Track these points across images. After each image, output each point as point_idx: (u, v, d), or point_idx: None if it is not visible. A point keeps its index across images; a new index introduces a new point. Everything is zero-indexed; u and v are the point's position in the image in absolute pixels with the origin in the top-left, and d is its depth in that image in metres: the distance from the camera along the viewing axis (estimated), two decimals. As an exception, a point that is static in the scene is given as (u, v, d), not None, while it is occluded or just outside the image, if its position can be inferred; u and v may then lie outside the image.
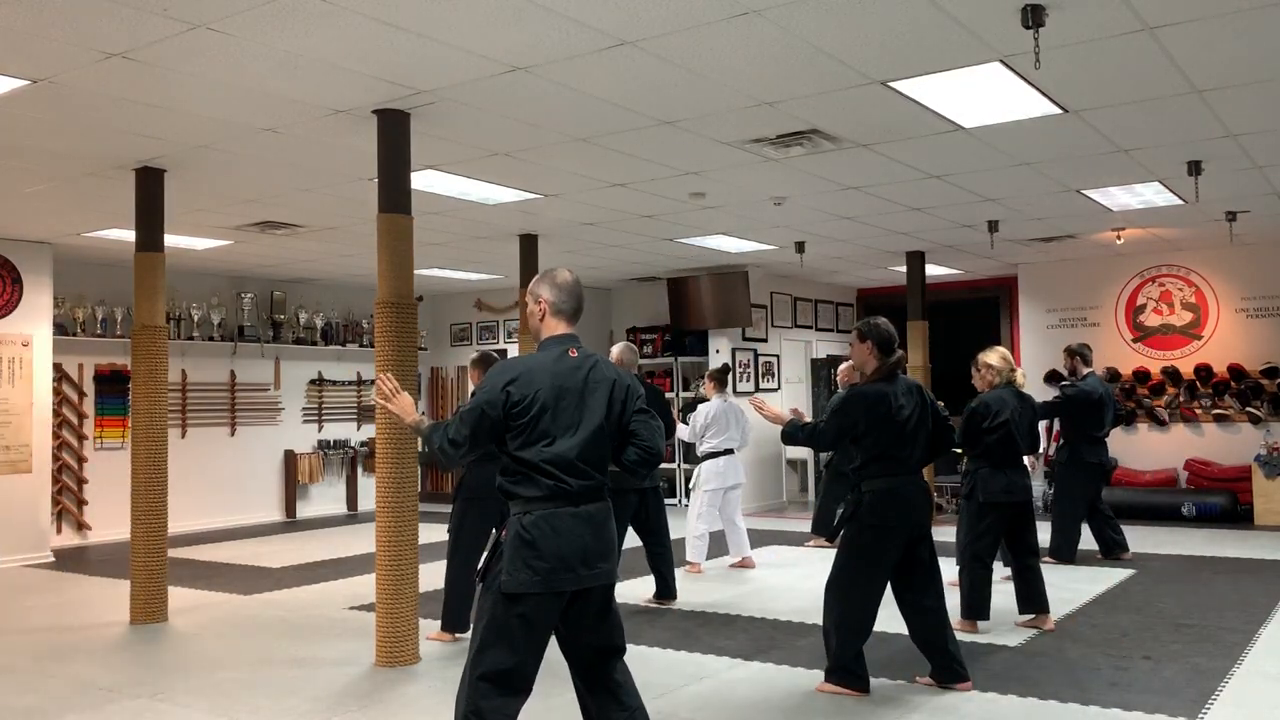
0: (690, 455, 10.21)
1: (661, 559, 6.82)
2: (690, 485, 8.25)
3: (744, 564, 8.17)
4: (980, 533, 5.85)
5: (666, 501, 12.16)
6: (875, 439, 4.62)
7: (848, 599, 4.62)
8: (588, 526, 3.19)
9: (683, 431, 8.33)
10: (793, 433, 4.83)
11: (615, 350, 7.01)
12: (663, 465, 12.46)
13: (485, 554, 3.26)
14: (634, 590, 7.07)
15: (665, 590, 6.82)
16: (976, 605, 5.82)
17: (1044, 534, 8.03)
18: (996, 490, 5.82)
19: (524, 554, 3.11)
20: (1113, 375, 11.30)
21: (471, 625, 3.24)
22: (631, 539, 6.78)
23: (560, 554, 3.12)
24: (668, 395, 12.44)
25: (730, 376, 8.68)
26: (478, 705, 3.09)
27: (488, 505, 5.34)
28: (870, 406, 4.61)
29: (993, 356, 6.09)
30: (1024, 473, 5.95)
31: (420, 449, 3.45)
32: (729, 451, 8.07)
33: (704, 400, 8.36)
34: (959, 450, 6.03)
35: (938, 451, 4.95)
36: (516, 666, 3.12)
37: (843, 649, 4.64)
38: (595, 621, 3.25)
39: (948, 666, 4.71)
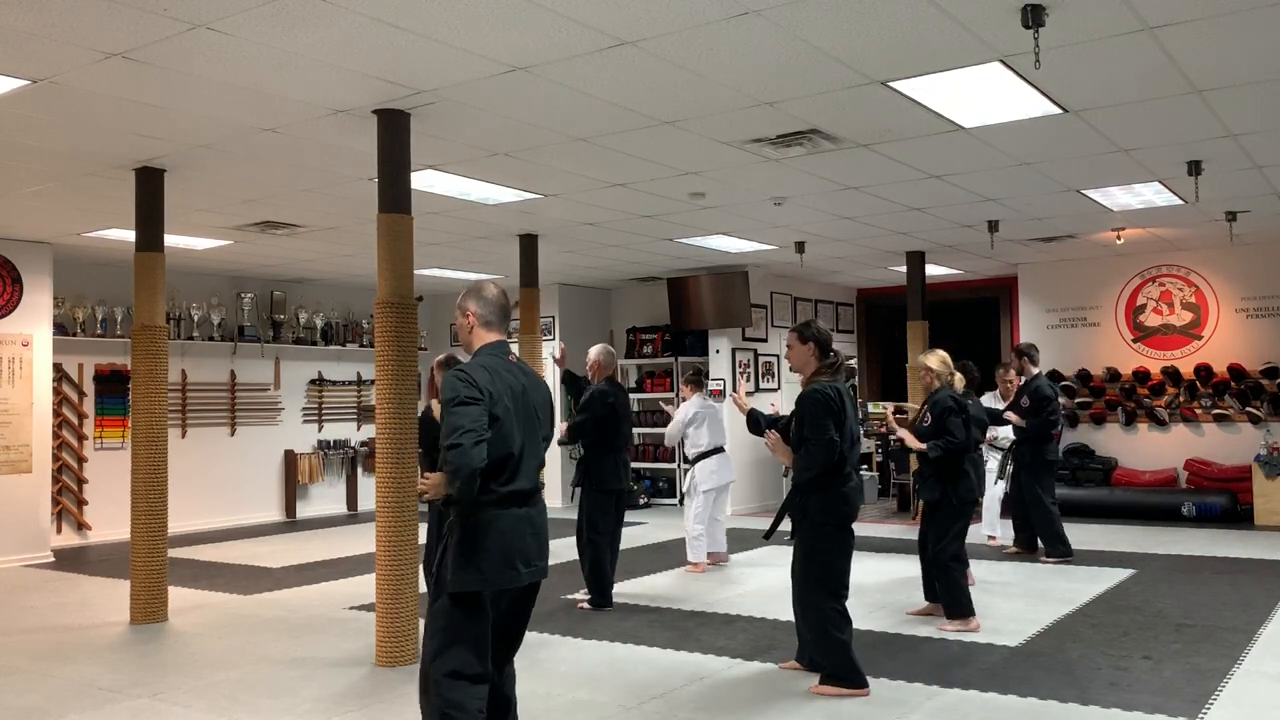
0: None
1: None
2: (685, 488, 8.19)
3: (718, 559, 8.12)
4: (957, 532, 5.94)
5: (667, 501, 12.31)
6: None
7: (826, 584, 4.69)
8: (529, 527, 3.35)
9: (673, 427, 8.21)
10: (755, 421, 5.07)
11: (593, 352, 6.85)
12: (662, 465, 12.55)
13: (437, 558, 3.39)
14: (630, 590, 7.07)
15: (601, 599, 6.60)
16: (964, 603, 5.85)
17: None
18: (967, 489, 5.92)
19: (470, 555, 3.23)
20: (1112, 375, 11.31)
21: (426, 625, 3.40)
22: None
23: (505, 553, 3.26)
24: (668, 395, 12.44)
25: (705, 379, 8.55)
26: (450, 699, 3.24)
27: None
28: (827, 404, 4.68)
29: (933, 360, 6.10)
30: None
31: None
32: (719, 450, 8.06)
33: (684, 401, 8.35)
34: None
35: None
36: (476, 661, 3.29)
37: (835, 637, 4.65)
38: (515, 613, 3.44)
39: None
